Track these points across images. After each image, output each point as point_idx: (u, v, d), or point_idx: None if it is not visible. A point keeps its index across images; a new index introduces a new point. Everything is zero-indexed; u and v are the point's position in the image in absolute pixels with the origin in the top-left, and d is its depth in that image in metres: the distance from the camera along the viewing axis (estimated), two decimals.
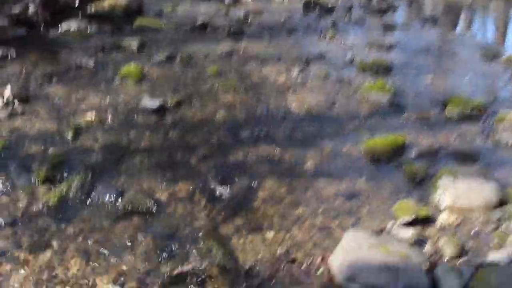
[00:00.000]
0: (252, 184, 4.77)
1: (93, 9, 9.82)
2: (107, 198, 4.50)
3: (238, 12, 10.42)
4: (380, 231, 4.14)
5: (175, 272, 3.65)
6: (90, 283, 3.58)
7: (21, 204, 4.39)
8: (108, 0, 10.01)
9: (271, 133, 5.72)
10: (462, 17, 11.86)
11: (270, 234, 4.13)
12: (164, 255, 3.86)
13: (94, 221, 4.23)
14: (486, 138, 5.77)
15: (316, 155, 5.30)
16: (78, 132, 5.56)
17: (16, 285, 3.55)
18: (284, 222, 4.28)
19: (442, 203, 4.53)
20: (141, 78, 7.10)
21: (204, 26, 9.61)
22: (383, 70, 7.69)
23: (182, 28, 9.51)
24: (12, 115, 5.87)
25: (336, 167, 5.13)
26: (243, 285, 3.59)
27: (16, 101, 6.13)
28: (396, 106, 6.49)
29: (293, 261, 3.81)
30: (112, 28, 9.24)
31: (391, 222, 4.25)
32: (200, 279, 3.62)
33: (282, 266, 3.77)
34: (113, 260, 3.80)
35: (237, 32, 9.40)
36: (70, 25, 9.00)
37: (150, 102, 6.23)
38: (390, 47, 8.83)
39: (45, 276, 3.62)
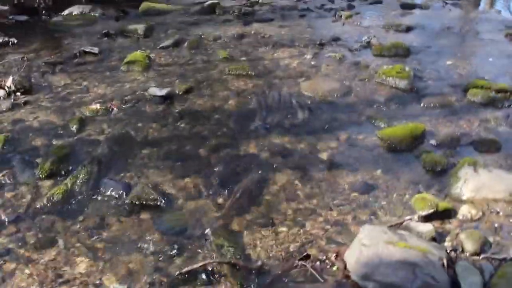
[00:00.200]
0: (264, 177, 4.78)
1: None
2: (114, 193, 4.53)
3: None
4: (397, 226, 4.13)
5: (185, 269, 3.67)
6: (97, 283, 3.61)
7: (25, 200, 4.44)
8: None
9: (283, 121, 5.72)
10: None
11: (282, 229, 4.14)
12: (173, 252, 3.88)
13: (100, 217, 4.26)
14: (511, 125, 5.71)
15: (330, 145, 5.30)
16: (83, 123, 5.60)
17: (20, 284, 3.59)
18: (297, 217, 4.29)
19: (463, 195, 4.51)
20: (148, 64, 7.12)
21: (213, 8, 9.60)
22: (401, 53, 7.65)
23: (190, 10, 9.51)
24: (14, 106, 5.93)
25: (352, 157, 5.12)
26: (255, 283, 3.61)
27: (18, 92, 6.17)
28: (415, 92, 6.46)
29: (307, 257, 3.81)
30: (117, 13, 9.27)
31: (409, 216, 4.24)
32: (210, 276, 3.65)
33: (295, 263, 3.78)
34: (120, 258, 3.84)
35: (247, 14, 9.39)
36: (73, 10, 9.03)
37: (157, 90, 6.25)
38: (409, 28, 8.77)
39: (50, 275, 3.66)
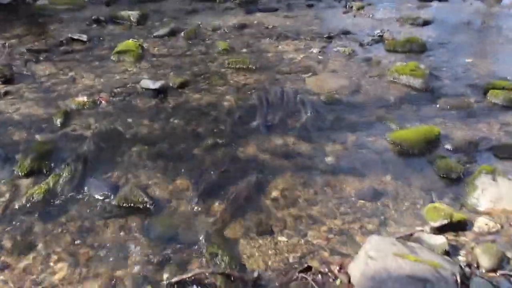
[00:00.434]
0: (263, 180, 4.76)
1: None
2: (99, 194, 4.52)
3: None
4: (407, 237, 4.11)
5: (175, 279, 3.66)
6: None
7: (2, 200, 4.43)
8: None
9: (286, 120, 5.72)
10: None
11: (282, 238, 4.12)
12: (162, 260, 3.86)
13: (84, 220, 4.25)
14: None
15: (336, 147, 5.29)
16: (68, 116, 5.59)
17: None
18: (298, 225, 4.27)
19: (480, 205, 4.50)
20: (140, 54, 7.12)
21: None
22: (416, 49, 7.65)
23: None
24: None
25: (359, 161, 5.11)
26: None
27: None
28: (430, 92, 6.45)
29: (308, 269, 3.80)
30: None
31: (421, 227, 4.23)
32: None
33: (295, 275, 3.76)
34: (104, 265, 3.82)
35: (250, 2, 9.39)
36: None
37: (150, 83, 6.25)
38: (425, 22, 8.77)
39: (27, 282, 3.65)
